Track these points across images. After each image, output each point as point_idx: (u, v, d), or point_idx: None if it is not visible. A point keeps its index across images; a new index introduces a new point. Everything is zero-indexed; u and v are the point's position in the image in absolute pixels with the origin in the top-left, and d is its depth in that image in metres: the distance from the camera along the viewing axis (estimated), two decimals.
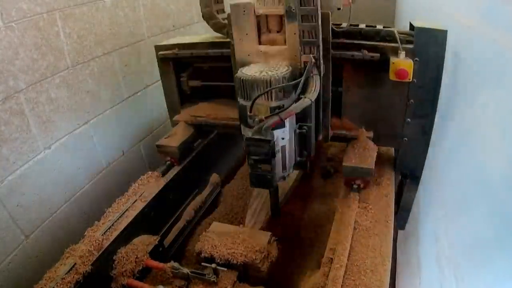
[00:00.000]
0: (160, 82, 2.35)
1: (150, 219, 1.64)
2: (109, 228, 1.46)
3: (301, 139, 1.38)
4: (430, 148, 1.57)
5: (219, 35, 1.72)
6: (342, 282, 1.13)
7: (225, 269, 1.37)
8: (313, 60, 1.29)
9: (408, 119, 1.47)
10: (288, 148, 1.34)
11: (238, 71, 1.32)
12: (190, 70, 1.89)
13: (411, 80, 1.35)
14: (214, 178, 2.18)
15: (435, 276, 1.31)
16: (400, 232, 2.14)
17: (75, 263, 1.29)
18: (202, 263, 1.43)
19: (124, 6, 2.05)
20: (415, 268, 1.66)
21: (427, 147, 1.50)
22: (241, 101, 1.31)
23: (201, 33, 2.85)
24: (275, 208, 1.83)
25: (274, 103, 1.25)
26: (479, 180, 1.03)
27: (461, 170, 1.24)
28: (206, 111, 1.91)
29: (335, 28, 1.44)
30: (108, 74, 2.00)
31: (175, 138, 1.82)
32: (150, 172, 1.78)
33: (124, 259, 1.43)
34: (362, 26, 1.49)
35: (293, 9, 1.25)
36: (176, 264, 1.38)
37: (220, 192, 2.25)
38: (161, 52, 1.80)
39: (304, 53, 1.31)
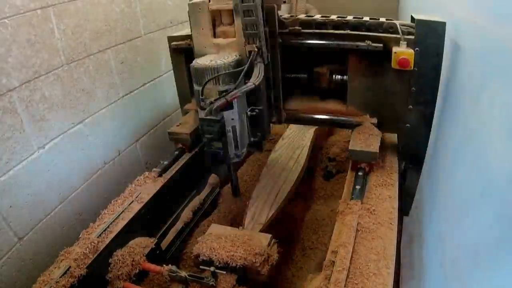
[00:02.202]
0: (156, 80, 2.36)
1: (147, 220, 1.64)
2: (104, 230, 1.46)
3: (254, 121, 1.63)
4: (433, 148, 1.57)
5: None
6: (345, 286, 1.13)
7: (224, 272, 1.38)
8: (256, 50, 1.48)
9: (410, 106, 1.58)
10: (240, 129, 1.54)
11: (193, 61, 1.52)
12: None
13: (412, 68, 1.47)
14: (213, 179, 2.18)
15: (439, 280, 1.31)
16: (404, 234, 2.14)
17: (70, 266, 1.29)
18: (201, 266, 1.43)
19: (120, 2, 2.05)
20: (419, 271, 1.66)
21: (429, 133, 1.61)
22: (195, 86, 1.50)
23: None
24: (235, 187, 2.07)
25: (222, 87, 1.45)
26: (485, 180, 1.03)
27: (466, 170, 1.24)
28: None
29: (283, 20, 1.66)
30: (103, 72, 2.00)
31: (187, 126, 1.94)
32: (147, 173, 1.78)
33: (120, 262, 1.43)
34: (366, 18, 1.61)
35: (237, 5, 1.46)
36: (173, 267, 1.38)
37: (219, 193, 2.25)
38: (173, 43, 1.93)
39: (248, 44, 1.50)
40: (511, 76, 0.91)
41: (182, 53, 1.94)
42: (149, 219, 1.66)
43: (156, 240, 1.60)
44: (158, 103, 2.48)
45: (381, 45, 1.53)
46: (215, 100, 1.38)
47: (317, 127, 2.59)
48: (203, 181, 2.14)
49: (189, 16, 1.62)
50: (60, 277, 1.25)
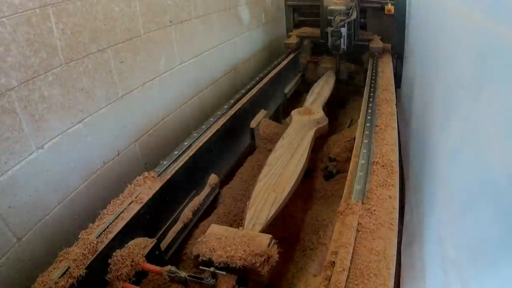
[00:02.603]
0: (155, 80, 2.37)
1: (146, 221, 1.65)
2: (104, 231, 1.46)
3: (349, 37, 3.33)
4: (433, 147, 1.58)
5: None
6: (345, 286, 1.13)
7: (224, 273, 1.38)
8: (354, 4, 3.19)
9: (394, 31, 3.48)
10: (345, 37, 3.30)
11: (326, 7, 3.27)
12: (299, 12, 4.15)
13: (393, 13, 3.42)
14: (213, 179, 2.18)
15: (440, 280, 1.31)
16: (404, 235, 2.14)
17: (69, 267, 1.29)
18: (200, 267, 1.43)
19: (119, 1, 2.05)
20: (419, 271, 1.66)
21: (403, 43, 3.46)
22: (329, 17, 3.26)
23: (199, 29, 2.86)
24: (338, 71, 3.85)
25: (342, 18, 3.20)
26: (485, 180, 1.03)
27: (466, 169, 1.24)
28: (305, 30, 4.03)
29: None
30: (103, 71, 2.00)
31: (293, 39, 3.90)
32: (146, 173, 1.79)
33: (120, 262, 1.43)
34: None
35: None
36: (173, 268, 1.39)
37: (218, 194, 2.25)
38: (288, 2, 4.03)
39: (351, 1, 3.20)
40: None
41: (291, 8, 4.06)
42: (149, 219, 1.67)
43: (156, 241, 1.60)
44: (157, 103, 2.48)
45: (379, 5, 3.48)
46: (339, 22, 3.19)
47: (317, 127, 2.60)
48: (202, 181, 2.15)
49: None
50: (59, 278, 1.26)
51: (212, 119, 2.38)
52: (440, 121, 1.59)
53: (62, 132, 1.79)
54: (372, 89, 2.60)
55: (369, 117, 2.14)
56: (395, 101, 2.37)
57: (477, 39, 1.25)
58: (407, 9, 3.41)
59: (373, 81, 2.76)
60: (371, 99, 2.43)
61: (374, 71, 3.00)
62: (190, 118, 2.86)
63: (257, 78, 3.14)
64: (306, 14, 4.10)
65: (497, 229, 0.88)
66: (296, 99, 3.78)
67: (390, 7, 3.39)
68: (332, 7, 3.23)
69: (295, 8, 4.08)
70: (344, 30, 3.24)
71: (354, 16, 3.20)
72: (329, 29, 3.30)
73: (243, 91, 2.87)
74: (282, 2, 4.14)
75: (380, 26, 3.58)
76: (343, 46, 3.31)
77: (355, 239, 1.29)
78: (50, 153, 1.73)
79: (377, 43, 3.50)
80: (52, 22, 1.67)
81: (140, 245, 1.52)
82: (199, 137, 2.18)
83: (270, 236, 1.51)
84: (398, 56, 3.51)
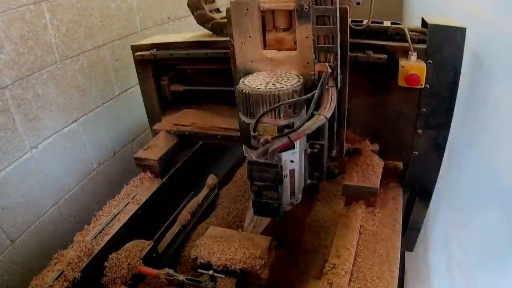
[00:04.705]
0: None
1: (143, 222, 1.64)
2: (99, 233, 1.46)
3: (313, 159, 1.31)
4: None
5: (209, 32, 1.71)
6: None
7: (223, 276, 1.37)
8: (329, 70, 1.18)
9: (419, 131, 1.38)
10: (298, 172, 1.25)
11: (240, 82, 1.22)
12: (172, 73, 1.84)
13: (423, 86, 1.24)
14: (211, 179, 2.18)
15: (445, 284, 1.31)
16: None
17: (64, 270, 1.28)
18: (199, 270, 1.42)
19: None
20: (424, 275, 1.66)
21: (441, 161, 1.42)
22: (243, 117, 1.23)
23: (197, 25, 2.85)
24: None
25: (282, 121, 1.15)
26: (492, 182, 1.03)
27: (473, 172, 1.23)
28: (190, 119, 1.83)
29: (353, 27, 1.31)
30: (98, 69, 2.00)
31: (155, 149, 1.75)
32: (143, 173, 1.78)
33: (116, 265, 1.43)
34: (366, 21, 1.36)
35: (306, 8, 1.13)
36: (170, 271, 1.38)
37: (217, 195, 2.25)
38: (138, 53, 1.72)
39: (318, 61, 1.21)
40: None
41: (148, 64, 1.74)
42: (146, 221, 1.66)
43: (153, 243, 1.59)
44: None
45: (385, 56, 1.31)
46: (273, 138, 1.09)
47: None
48: (201, 182, 2.14)
49: (228, 20, 1.30)
50: (54, 281, 1.25)
51: None
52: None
53: (57, 132, 1.79)
54: None
55: None
56: None
57: None
58: (465, 74, 1.32)
59: None
60: None
61: None
62: None
63: None
64: (190, 76, 1.90)
65: (505, 231, 0.88)
66: None
67: (414, 67, 1.22)
68: (251, 86, 1.19)
69: (159, 67, 1.79)
70: (292, 157, 1.23)
71: (326, 113, 1.12)
72: (248, 156, 1.32)
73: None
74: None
75: (377, 116, 1.48)
76: (289, 200, 1.34)
77: (358, 242, 1.29)
78: (44, 153, 1.72)
79: (364, 172, 1.45)
80: (47, 19, 1.67)
81: (137, 247, 1.52)
82: None
83: (270, 238, 1.51)
84: (419, 193, 1.55)
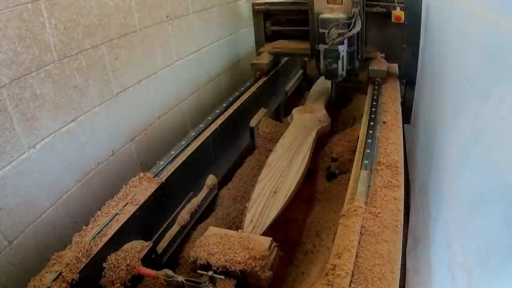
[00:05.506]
0: (151, 77, 2.36)
1: (142, 223, 1.64)
2: (98, 233, 1.46)
3: (350, 56, 2.53)
4: (440, 147, 1.57)
5: None
6: None
7: (223, 277, 1.37)
8: (358, 11, 2.42)
9: (404, 46, 2.63)
10: (345, 58, 2.48)
11: (320, 15, 2.50)
12: (273, 19, 3.18)
13: (404, 22, 2.52)
14: (211, 180, 2.18)
15: (447, 285, 1.31)
16: (410, 237, 2.14)
17: (62, 271, 1.28)
18: (198, 271, 1.42)
19: None
20: (426, 276, 1.66)
21: (417, 62, 2.64)
22: (321, 30, 2.49)
23: (197, 25, 2.85)
24: (334, 99, 3.22)
25: (340, 31, 2.40)
26: (494, 181, 1.03)
27: (475, 170, 1.23)
28: (281, 45, 3.18)
29: None
30: (97, 68, 2.00)
31: (263, 60, 3.03)
32: (142, 173, 1.78)
33: (114, 266, 1.42)
34: None
35: None
36: (170, 272, 1.38)
37: (217, 195, 2.25)
38: (256, 6, 3.07)
39: (355, 7, 2.43)
40: None
41: (261, 14, 3.10)
42: (145, 221, 1.66)
43: (152, 244, 1.59)
44: (153, 101, 2.47)
45: (385, 9, 2.60)
46: (335, 38, 2.36)
47: (319, 126, 2.59)
48: (200, 182, 2.14)
49: None
50: (52, 282, 1.25)
51: (210, 118, 2.38)
52: (449, 121, 1.58)
53: (55, 131, 1.79)
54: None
55: (373, 116, 2.13)
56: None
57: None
58: (423, 16, 2.63)
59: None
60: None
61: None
62: (188, 116, 2.86)
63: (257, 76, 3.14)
64: (283, 22, 3.20)
65: (508, 232, 0.88)
66: (297, 97, 3.77)
67: (399, 13, 2.49)
68: (326, 16, 2.46)
69: (267, 15, 3.14)
70: (343, 48, 2.42)
71: (358, 28, 2.37)
72: (321, 47, 2.47)
73: (242, 88, 2.86)
74: None
75: (384, 39, 2.73)
76: (341, 71, 2.47)
77: (359, 242, 1.29)
78: (42, 153, 1.72)
79: (379, 64, 2.63)
80: (45, 17, 1.66)
81: (136, 248, 1.52)
82: (196, 136, 2.17)
83: (271, 239, 1.51)
84: (407, 81, 2.68)
